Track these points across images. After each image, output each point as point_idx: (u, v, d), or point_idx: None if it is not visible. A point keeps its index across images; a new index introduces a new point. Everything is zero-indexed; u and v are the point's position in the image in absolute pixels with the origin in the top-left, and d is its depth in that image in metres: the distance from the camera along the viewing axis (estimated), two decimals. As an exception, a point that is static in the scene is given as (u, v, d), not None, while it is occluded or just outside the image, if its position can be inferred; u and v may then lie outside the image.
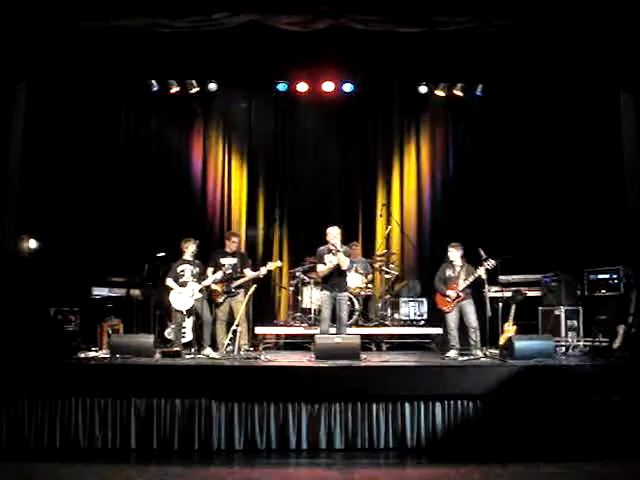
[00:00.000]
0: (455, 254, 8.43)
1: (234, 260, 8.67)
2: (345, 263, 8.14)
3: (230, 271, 8.56)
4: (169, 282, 8.57)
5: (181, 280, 8.56)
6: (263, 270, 8.58)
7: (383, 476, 5.77)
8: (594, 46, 8.47)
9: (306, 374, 6.81)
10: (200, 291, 8.45)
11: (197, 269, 8.64)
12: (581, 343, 8.68)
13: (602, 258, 9.00)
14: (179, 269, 8.63)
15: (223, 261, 8.63)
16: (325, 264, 8.21)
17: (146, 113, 11.29)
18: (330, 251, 8.17)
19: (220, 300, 8.53)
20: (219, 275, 8.45)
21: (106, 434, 6.45)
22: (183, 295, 8.48)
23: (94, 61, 9.35)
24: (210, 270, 8.59)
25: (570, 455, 6.18)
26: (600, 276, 8.91)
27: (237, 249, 8.91)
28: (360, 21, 8.29)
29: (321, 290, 8.40)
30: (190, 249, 8.68)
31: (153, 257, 9.15)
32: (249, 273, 8.61)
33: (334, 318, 8.24)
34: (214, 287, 8.51)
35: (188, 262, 8.68)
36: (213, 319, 8.55)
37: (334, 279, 8.19)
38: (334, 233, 8.18)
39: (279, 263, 8.76)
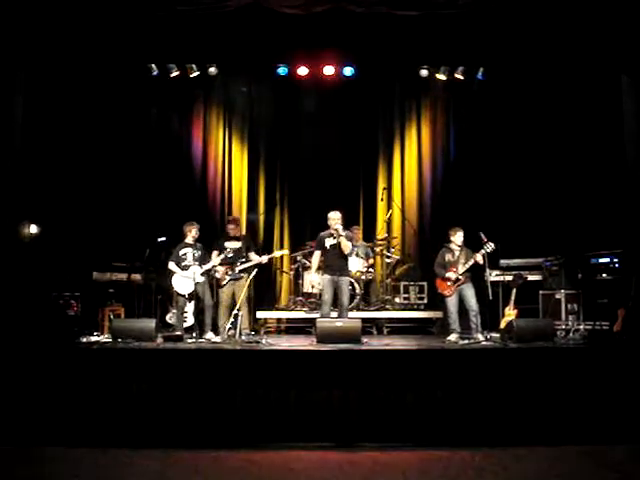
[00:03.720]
0: (455, 238, 8.43)
1: (238, 244, 8.68)
2: (348, 247, 8.16)
3: (231, 255, 8.57)
4: (171, 266, 8.59)
5: (183, 264, 8.58)
6: (267, 257, 8.60)
7: (383, 458, 5.80)
8: (595, 29, 8.41)
9: (307, 358, 6.83)
10: (202, 275, 8.48)
11: (199, 252, 8.66)
12: (581, 327, 8.71)
13: (603, 242, 8.99)
14: (181, 252, 8.65)
15: (227, 245, 8.65)
16: (326, 248, 8.25)
17: (146, 97, 11.21)
18: (331, 235, 8.21)
19: (224, 284, 8.56)
20: (219, 259, 8.47)
21: (107, 418, 6.47)
22: (185, 279, 8.50)
23: (92, 45, 9.27)
24: (215, 253, 8.62)
25: (571, 438, 6.20)
26: (601, 260, 8.90)
27: (241, 233, 8.92)
28: (360, 4, 8.24)
29: (322, 274, 8.41)
30: (192, 233, 8.69)
31: (154, 241, 9.15)
32: (254, 257, 8.63)
33: (335, 302, 8.28)
34: (219, 269, 8.53)
35: (190, 245, 8.69)
36: (215, 303, 8.58)
37: (335, 263, 8.21)
38: (335, 217, 8.21)
39: (285, 251, 8.75)
